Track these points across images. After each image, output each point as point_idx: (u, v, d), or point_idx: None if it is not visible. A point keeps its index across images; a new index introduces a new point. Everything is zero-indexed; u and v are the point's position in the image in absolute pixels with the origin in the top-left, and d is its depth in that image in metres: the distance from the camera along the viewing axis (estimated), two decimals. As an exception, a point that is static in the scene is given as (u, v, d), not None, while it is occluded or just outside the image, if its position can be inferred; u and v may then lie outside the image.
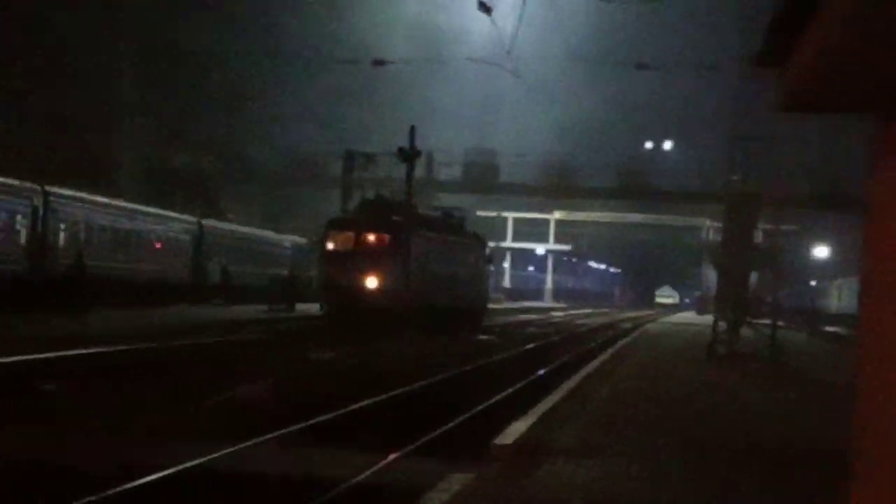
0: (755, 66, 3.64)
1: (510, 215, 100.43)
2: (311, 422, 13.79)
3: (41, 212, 35.17)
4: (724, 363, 25.68)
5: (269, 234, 58.74)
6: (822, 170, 64.42)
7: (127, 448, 11.74)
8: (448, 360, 24.79)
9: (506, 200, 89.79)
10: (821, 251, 63.63)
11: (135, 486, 9.62)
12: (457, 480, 9.24)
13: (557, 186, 73.19)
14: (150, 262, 43.73)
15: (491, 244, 54.81)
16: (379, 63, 55.67)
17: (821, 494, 8.86)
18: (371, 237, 36.93)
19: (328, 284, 36.78)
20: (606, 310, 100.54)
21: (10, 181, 33.82)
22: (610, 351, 29.94)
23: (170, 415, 14.57)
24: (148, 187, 53.42)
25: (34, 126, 48.82)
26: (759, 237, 32.18)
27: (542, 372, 24.23)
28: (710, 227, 76.29)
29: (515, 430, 12.26)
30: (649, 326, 54.28)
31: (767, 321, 29.73)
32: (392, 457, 11.85)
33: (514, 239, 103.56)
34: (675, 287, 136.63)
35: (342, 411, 14.97)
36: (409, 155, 41.93)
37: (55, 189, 36.44)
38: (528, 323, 53.78)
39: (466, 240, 45.57)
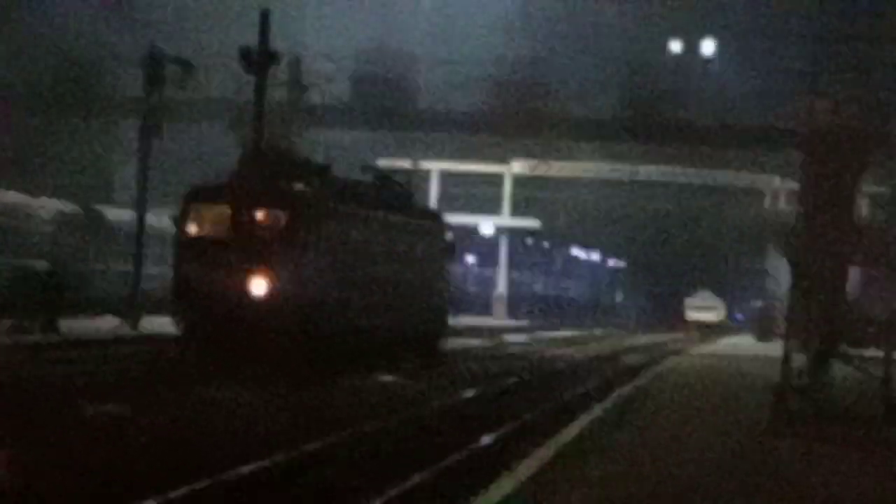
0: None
1: (434, 166, 69.42)
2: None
3: None
4: (807, 431, 19.17)
5: (6, 196, 44.11)
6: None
7: None
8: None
9: (427, 142, 64.53)
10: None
11: None
12: None
13: (517, 118, 53.54)
14: None
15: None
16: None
17: None
18: (258, 215, 29.23)
19: (186, 290, 29.25)
20: (600, 332, 71.86)
21: None
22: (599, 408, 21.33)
23: None
24: None
25: None
26: (863, 209, 27.51)
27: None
28: (778, 191, 62.55)
29: None
30: (674, 362, 39.29)
31: (877, 352, 22.01)
32: None
33: (443, 207, 62.79)
34: (718, 293, 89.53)
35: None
36: (259, 60, 32.83)
37: None
38: (464, 356, 37.42)
39: (415, 220, 36.68)
